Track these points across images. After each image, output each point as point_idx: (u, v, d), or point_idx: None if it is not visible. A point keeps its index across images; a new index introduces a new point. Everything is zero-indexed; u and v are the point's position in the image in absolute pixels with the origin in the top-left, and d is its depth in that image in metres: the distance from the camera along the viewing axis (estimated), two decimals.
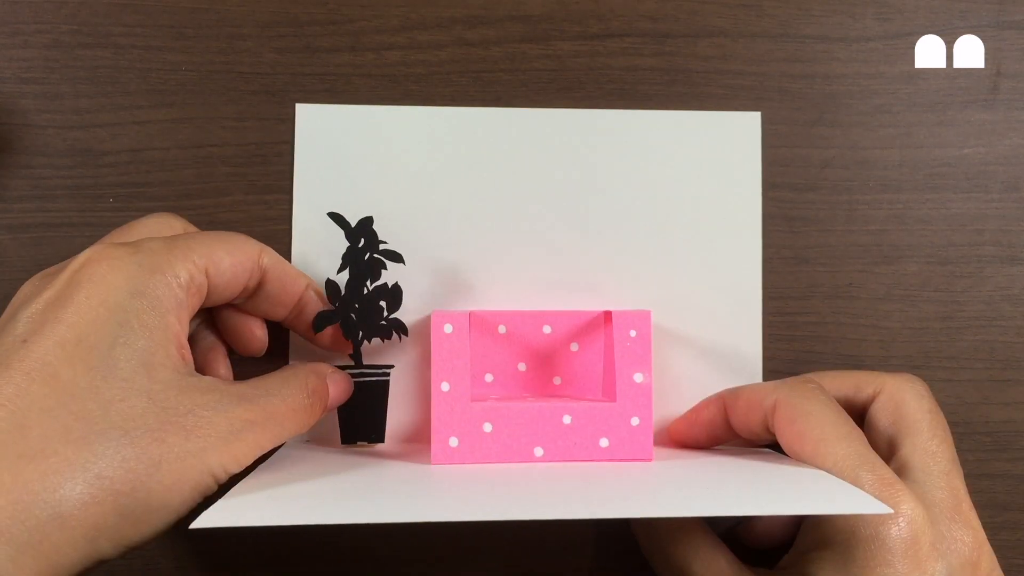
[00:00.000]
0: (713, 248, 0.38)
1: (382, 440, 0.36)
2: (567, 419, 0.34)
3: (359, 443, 0.36)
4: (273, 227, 0.38)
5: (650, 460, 0.34)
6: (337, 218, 0.35)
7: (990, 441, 0.39)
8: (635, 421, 0.34)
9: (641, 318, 0.35)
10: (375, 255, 0.35)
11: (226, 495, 0.27)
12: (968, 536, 0.31)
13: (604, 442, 0.34)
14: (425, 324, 0.37)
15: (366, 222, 0.35)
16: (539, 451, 0.34)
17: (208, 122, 0.38)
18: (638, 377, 0.34)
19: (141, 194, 0.38)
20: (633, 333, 0.35)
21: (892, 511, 0.27)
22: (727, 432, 0.35)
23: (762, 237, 0.38)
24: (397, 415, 0.37)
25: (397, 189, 0.38)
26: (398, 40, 0.39)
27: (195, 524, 0.25)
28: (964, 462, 0.33)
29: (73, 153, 0.38)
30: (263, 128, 0.38)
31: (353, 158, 0.38)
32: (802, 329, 0.39)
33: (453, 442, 0.34)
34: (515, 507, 0.28)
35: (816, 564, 0.31)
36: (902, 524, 0.30)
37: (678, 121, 0.39)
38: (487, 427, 0.34)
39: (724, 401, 0.35)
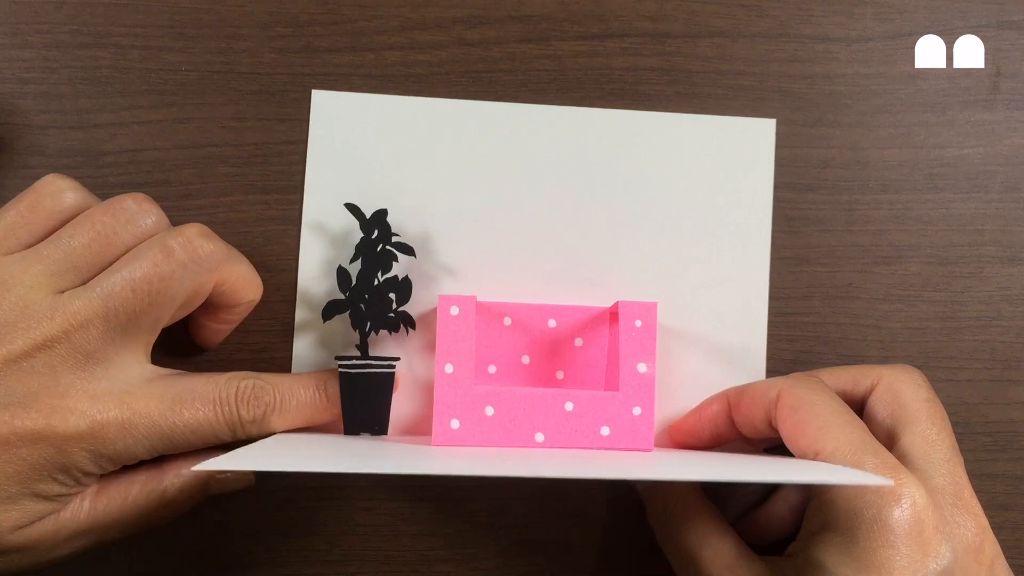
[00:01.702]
0: (721, 249, 0.38)
1: (385, 432, 0.36)
2: (569, 406, 0.34)
3: (362, 435, 0.36)
4: (273, 227, 0.38)
5: (650, 451, 0.34)
6: (353, 209, 0.36)
7: (990, 441, 0.39)
8: (637, 411, 0.34)
9: (647, 309, 0.35)
10: (387, 247, 0.36)
11: (226, 453, 0.28)
12: (971, 522, 0.31)
13: (605, 430, 0.34)
14: (429, 317, 0.37)
15: (381, 214, 0.36)
16: (540, 437, 0.34)
17: (208, 122, 0.38)
18: (642, 367, 0.34)
19: None
20: (638, 323, 0.35)
21: (892, 483, 0.27)
22: (730, 430, 0.36)
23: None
24: (400, 407, 0.37)
25: (406, 180, 0.38)
26: (398, 40, 0.39)
27: (197, 467, 0.25)
28: (964, 462, 0.33)
29: (73, 153, 0.38)
30: (263, 128, 0.38)
31: (365, 147, 0.38)
32: (802, 329, 0.39)
33: (455, 424, 0.34)
34: (516, 467, 0.29)
35: (820, 548, 0.31)
36: (905, 506, 0.30)
37: (692, 124, 0.39)
38: (489, 411, 0.34)
39: (728, 398, 0.35)
